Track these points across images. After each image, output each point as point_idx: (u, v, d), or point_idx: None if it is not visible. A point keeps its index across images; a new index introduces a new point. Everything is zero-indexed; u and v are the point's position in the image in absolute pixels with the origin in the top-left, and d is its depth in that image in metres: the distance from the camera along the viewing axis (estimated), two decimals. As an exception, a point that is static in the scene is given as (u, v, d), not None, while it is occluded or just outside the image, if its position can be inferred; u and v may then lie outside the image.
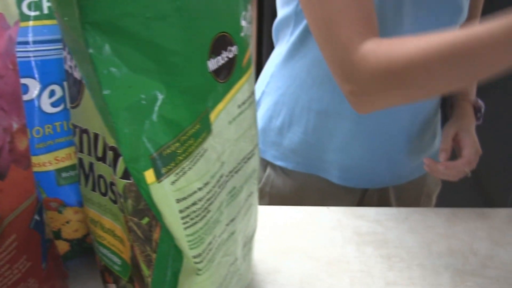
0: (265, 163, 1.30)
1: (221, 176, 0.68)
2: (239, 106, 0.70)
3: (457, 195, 1.88)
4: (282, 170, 1.27)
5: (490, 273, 0.97)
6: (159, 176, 0.62)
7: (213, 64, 0.63)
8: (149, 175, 0.62)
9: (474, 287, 0.94)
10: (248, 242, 0.81)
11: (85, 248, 0.89)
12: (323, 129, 1.19)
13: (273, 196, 1.30)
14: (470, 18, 1.29)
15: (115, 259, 0.75)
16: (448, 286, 0.94)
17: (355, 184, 1.27)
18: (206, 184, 0.66)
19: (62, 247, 0.90)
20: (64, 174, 0.85)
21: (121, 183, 0.67)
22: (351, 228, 1.06)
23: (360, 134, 1.20)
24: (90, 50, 0.56)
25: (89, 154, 0.73)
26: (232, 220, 0.73)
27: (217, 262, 0.71)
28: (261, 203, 1.30)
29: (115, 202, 0.72)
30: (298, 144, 1.23)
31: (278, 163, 1.27)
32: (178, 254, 0.68)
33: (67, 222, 0.88)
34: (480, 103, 1.29)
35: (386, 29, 1.04)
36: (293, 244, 1.00)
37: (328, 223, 1.07)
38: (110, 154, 0.69)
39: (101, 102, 0.59)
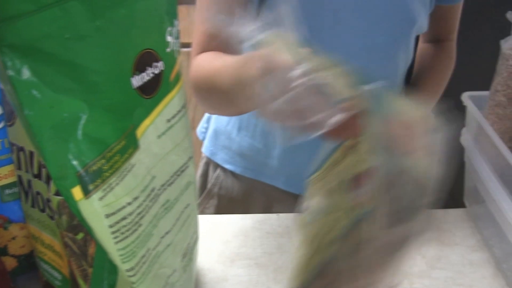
0: (215, 165, 1.31)
1: (152, 190, 0.69)
2: (169, 121, 0.71)
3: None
4: (231, 173, 1.29)
5: (437, 274, 0.99)
6: (86, 193, 0.63)
7: (137, 80, 0.64)
8: (77, 192, 0.63)
9: (421, 289, 0.96)
10: (189, 253, 0.82)
11: (33, 264, 0.90)
12: (270, 134, 1.20)
13: (221, 197, 1.30)
14: (442, 39, 1.33)
15: (56, 274, 0.76)
16: (395, 288, 0.96)
17: (302, 190, 1.28)
18: (136, 198, 0.67)
19: (10, 263, 0.91)
20: (7, 191, 0.85)
21: (55, 199, 0.68)
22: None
23: (304, 141, 1.21)
24: (9, 73, 0.57)
25: (27, 171, 0.74)
26: (168, 232, 0.74)
27: (153, 274, 0.72)
28: (209, 204, 1.31)
29: (52, 218, 0.73)
30: (246, 149, 1.24)
31: (227, 166, 1.28)
32: (113, 267, 0.69)
33: (13, 238, 0.89)
34: None
35: (323, 39, 1.06)
36: (241, 251, 1.01)
37: (276, 229, 1.08)
38: (44, 171, 0.70)
39: (25, 122, 0.60)
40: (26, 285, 0.94)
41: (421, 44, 1.35)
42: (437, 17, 1.25)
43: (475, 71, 1.84)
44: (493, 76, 1.07)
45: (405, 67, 1.24)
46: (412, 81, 1.28)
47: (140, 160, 0.67)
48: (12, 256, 0.90)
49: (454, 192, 1.31)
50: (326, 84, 0.59)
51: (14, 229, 0.88)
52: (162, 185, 0.72)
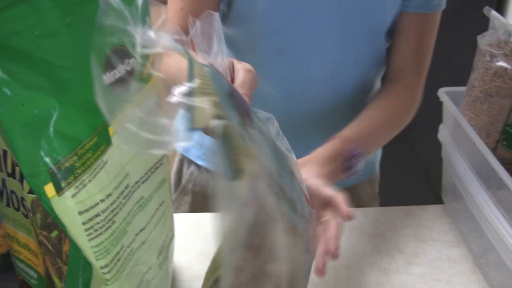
0: (189, 161, 1.31)
1: (126, 187, 0.70)
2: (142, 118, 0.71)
3: (408, 194, 1.91)
4: (205, 169, 1.29)
5: (415, 270, 0.99)
6: (59, 190, 0.64)
7: (109, 77, 0.64)
8: (49, 189, 0.63)
9: (399, 285, 0.96)
10: (164, 251, 0.82)
11: (11, 264, 0.89)
12: None
13: (196, 194, 1.31)
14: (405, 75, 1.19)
15: (32, 273, 0.76)
16: (373, 285, 0.96)
17: None
18: (109, 195, 0.67)
19: (-13, 263, 0.91)
20: (-17, 191, 0.85)
21: (29, 197, 0.68)
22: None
23: None
24: (-21, 71, 0.57)
25: (1, 170, 0.74)
26: (142, 229, 0.74)
27: (128, 271, 0.72)
28: (184, 201, 1.31)
29: (27, 216, 0.73)
30: None
31: (200, 162, 1.28)
32: (87, 265, 0.69)
33: (-11, 238, 0.89)
34: (356, 151, 1.02)
35: (295, 35, 1.08)
36: (219, 249, 1.02)
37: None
38: (18, 170, 0.70)
39: (-4, 120, 0.60)
40: (4, 286, 0.94)
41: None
42: (402, 34, 1.16)
43: (452, 66, 1.85)
44: (469, 72, 1.08)
45: (376, 74, 1.22)
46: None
47: (113, 157, 0.67)
48: (-12, 256, 0.90)
49: (432, 189, 1.32)
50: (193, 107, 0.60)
51: (-10, 229, 0.88)
52: (136, 182, 0.72)
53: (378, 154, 1.35)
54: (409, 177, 2.21)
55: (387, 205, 1.17)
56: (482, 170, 0.98)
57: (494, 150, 1.04)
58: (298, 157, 0.81)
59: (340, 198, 0.83)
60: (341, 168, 1.00)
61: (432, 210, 1.14)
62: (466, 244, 1.05)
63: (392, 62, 1.18)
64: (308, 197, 0.78)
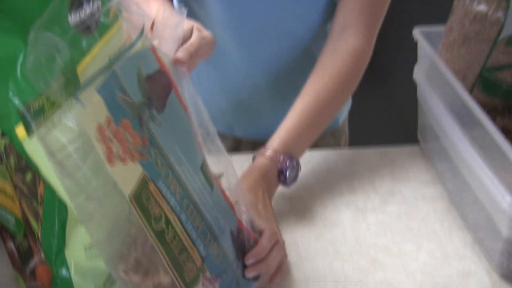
0: None
1: (98, 127, 0.70)
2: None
3: (383, 136, 1.90)
4: None
5: (391, 209, 1.01)
6: (29, 131, 0.64)
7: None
8: (20, 130, 0.64)
9: (375, 223, 0.98)
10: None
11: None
12: (192, 72, 1.18)
13: None
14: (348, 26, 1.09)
15: (9, 217, 0.77)
16: (350, 222, 0.98)
17: (223, 130, 1.30)
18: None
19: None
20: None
21: (1, 142, 0.69)
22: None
23: (223, 82, 1.22)
24: None
25: (-27, 117, 0.74)
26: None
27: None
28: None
29: (1, 161, 0.74)
30: None
31: None
32: (62, 205, 0.70)
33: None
34: (289, 163, 0.99)
35: None
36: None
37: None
38: (-11, 115, 0.71)
39: (-37, 62, 0.61)
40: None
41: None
42: None
43: (429, 3, 1.84)
44: (447, 9, 1.07)
45: (312, 28, 1.17)
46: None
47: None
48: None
49: (407, 130, 1.33)
50: None
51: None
52: None
53: (344, 107, 1.32)
54: (383, 119, 2.21)
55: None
56: (458, 110, 0.99)
57: (470, 94, 1.04)
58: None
59: (264, 237, 0.85)
60: (276, 182, 0.99)
61: (408, 150, 1.16)
62: (441, 183, 1.07)
63: (337, 18, 1.09)
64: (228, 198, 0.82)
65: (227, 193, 0.81)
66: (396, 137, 1.42)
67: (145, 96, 0.70)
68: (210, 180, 0.78)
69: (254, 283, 0.83)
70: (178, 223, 0.72)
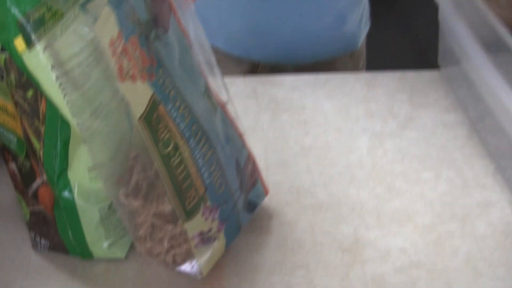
0: None
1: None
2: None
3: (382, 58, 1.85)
4: None
5: (409, 134, 0.97)
6: (29, 43, 0.61)
7: None
8: (19, 43, 0.61)
9: (392, 149, 0.94)
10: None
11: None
12: None
13: None
14: None
15: (11, 136, 0.73)
16: (366, 148, 0.94)
17: (239, 53, 1.25)
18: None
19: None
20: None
21: (1, 56, 0.65)
22: (267, 96, 1.05)
23: (237, 2, 1.18)
24: None
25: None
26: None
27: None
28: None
29: (2, 77, 0.70)
30: None
31: None
32: (65, 123, 0.67)
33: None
34: None
35: None
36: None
37: (242, 91, 1.06)
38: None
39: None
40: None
41: None
42: None
43: None
44: None
45: None
46: None
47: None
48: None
49: (428, 53, 1.28)
50: None
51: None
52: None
53: (361, 26, 1.30)
54: (401, 43, 2.16)
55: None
56: (482, 32, 0.94)
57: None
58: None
59: None
60: None
61: (428, 75, 1.11)
62: (462, 110, 1.03)
63: None
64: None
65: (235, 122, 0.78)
66: (415, 62, 1.37)
67: (150, 15, 0.66)
68: (215, 107, 0.75)
69: (252, 214, 0.81)
70: (187, 148, 0.69)
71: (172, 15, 0.70)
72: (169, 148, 0.67)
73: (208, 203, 0.72)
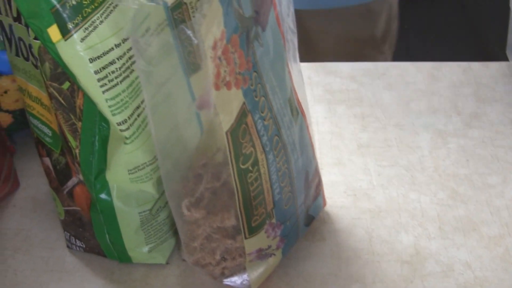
0: None
1: (147, 30, 0.60)
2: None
3: (446, 48, 1.77)
4: None
5: (474, 134, 0.90)
6: (65, 33, 0.56)
7: None
8: (54, 32, 0.56)
9: (456, 149, 0.87)
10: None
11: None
12: None
13: None
14: None
15: (46, 130, 0.68)
16: (428, 147, 0.88)
17: None
18: (126, 40, 0.58)
19: (4, 119, 0.84)
20: (-7, 41, 0.77)
21: (36, 44, 0.60)
22: (322, 86, 0.98)
23: None
24: None
25: (7, 15, 0.65)
26: (168, 79, 0.65)
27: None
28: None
29: (37, 67, 0.64)
30: None
31: None
32: (104, 121, 0.61)
33: (5, 92, 0.82)
34: None
35: None
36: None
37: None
38: (23, 12, 0.61)
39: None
40: (24, 142, 0.88)
41: None
42: None
43: None
44: None
45: None
46: None
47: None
48: (6, 111, 0.84)
49: (496, 44, 1.20)
50: None
51: (5, 82, 0.81)
52: (160, 24, 0.61)
53: None
54: (462, 33, 2.07)
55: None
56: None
57: None
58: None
59: None
60: None
61: (495, 67, 1.03)
62: (532, 106, 0.95)
63: None
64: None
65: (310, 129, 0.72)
66: (478, 53, 1.30)
67: (253, 8, 0.58)
68: (297, 112, 0.68)
69: (308, 227, 0.76)
70: (265, 163, 0.62)
71: (272, 10, 0.63)
72: (248, 163, 0.61)
73: (273, 220, 0.66)
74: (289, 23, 0.67)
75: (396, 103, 0.94)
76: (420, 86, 0.98)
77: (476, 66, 1.02)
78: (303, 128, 0.70)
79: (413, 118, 0.92)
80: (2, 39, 0.68)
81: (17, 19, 0.63)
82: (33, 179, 0.84)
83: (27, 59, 0.65)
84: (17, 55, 0.66)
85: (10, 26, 0.65)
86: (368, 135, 0.89)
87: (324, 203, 0.78)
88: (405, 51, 1.66)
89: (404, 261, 0.73)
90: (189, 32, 0.51)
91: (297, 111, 0.68)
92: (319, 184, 0.75)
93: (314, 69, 0.98)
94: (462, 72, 1.00)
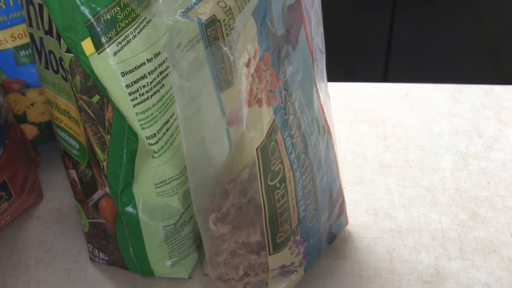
0: None
1: (178, 45, 0.61)
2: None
3: (466, 70, 1.76)
4: None
5: (495, 156, 0.90)
6: (98, 46, 0.56)
7: None
8: (87, 45, 0.56)
9: (477, 171, 0.87)
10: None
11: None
12: None
13: None
14: None
15: (73, 142, 0.68)
16: (449, 169, 0.87)
17: None
18: (157, 54, 0.59)
19: (30, 131, 0.85)
20: (23, 52, 0.78)
21: (67, 57, 0.61)
22: (345, 105, 0.98)
23: None
24: None
25: (38, 28, 0.65)
26: (197, 95, 0.66)
27: (178, 143, 0.64)
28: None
29: (66, 79, 0.65)
30: None
31: None
32: (133, 135, 0.62)
33: (32, 105, 0.82)
34: None
35: None
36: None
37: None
38: (55, 26, 0.62)
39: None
40: (48, 155, 0.88)
41: None
42: None
43: None
44: None
45: None
46: None
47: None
48: (32, 123, 0.84)
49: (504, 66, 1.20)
50: None
51: (32, 95, 0.82)
52: (190, 40, 0.62)
53: None
54: (481, 57, 2.06)
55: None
56: None
57: None
58: None
59: None
60: None
61: (517, 90, 1.03)
62: (553, 130, 0.95)
63: None
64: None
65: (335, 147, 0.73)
66: (499, 77, 1.29)
67: (285, 27, 0.59)
68: (324, 130, 0.69)
69: (330, 245, 0.76)
70: (292, 180, 0.62)
71: (302, 29, 0.63)
72: (276, 180, 0.61)
73: (298, 237, 0.66)
74: (318, 42, 0.67)
75: (418, 124, 0.94)
76: (442, 107, 0.98)
77: (498, 89, 1.02)
78: (329, 146, 0.70)
79: (435, 140, 0.92)
80: (31, 51, 0.69)
81: (49, 32, 0.63)
82: (56, 191, 0.85)
83: (56, 72, 0.66)
84: (46, 67, 0.67)
85: (41, 39, 0.66)
86: (390, 155, 0.89)
87: (346, 222, 0.78)
88: (426, 73, 1.66)
89: (425, 281, 0.73)
90: (225, 48, 0.51)
91: (324, 129, 0.68)
92: (343, 203, 0.75)
93: (337, 88, 0.99)
94: (484, 95, 1.01)
